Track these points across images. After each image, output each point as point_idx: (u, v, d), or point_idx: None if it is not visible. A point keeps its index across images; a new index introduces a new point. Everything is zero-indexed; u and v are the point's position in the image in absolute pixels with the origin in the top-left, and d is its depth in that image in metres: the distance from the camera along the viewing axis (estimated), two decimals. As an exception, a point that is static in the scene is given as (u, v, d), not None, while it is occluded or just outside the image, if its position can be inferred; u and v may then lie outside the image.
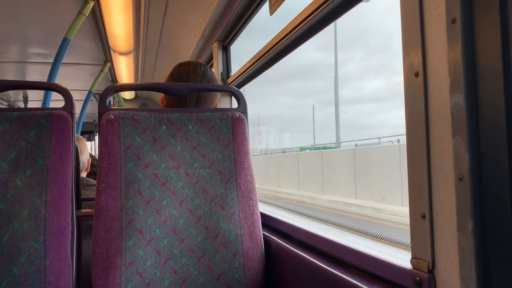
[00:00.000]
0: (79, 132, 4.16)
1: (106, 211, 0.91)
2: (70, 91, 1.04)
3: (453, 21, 0.50)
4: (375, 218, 8.06)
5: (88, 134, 7.09)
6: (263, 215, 1.12)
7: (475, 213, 0.48)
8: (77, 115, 4.20)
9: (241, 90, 1.40)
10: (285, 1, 1.23)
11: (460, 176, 0.49)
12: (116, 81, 3.91)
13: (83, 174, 1.95)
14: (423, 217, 0.55)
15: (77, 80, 3.95)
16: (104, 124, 0.97)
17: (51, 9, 2.22)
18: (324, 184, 12.09)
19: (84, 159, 1.90)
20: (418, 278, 0.56)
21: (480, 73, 0.48)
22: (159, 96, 1.31)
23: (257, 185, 1.04)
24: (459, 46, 0.49)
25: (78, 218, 1.04)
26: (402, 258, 0.63)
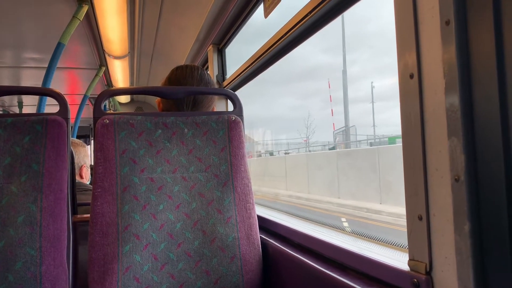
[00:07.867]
0: (75, 137, 4.14)
1: (102, 216, 0.91)
2: (65, 95, 1.04)
3: (447, 22, 0.50)
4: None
5: (83, 138, 7.05)
6: (260, 218, 1.11)
7: (472, 214, 0.48)
8: (72, 120, 4.17)
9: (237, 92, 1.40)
10: (279, 4, 1.23)
11: (456, 177, 0.49)
12: (112, 85, 3.89)
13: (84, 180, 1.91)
14: (420, 218, 0.55)
15: (72, 84, 3.93)
16: (99, 129, 0.96)
17: (45, 13, 2.21)
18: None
19: (77, 164, 1.85)
20: (415, 280, 0.56)
21: (474, 74, 0.48)
22: (154, 100, 1.31)
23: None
24: (453, 48, 0.49)
25: (74, 223, 1.03)
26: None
